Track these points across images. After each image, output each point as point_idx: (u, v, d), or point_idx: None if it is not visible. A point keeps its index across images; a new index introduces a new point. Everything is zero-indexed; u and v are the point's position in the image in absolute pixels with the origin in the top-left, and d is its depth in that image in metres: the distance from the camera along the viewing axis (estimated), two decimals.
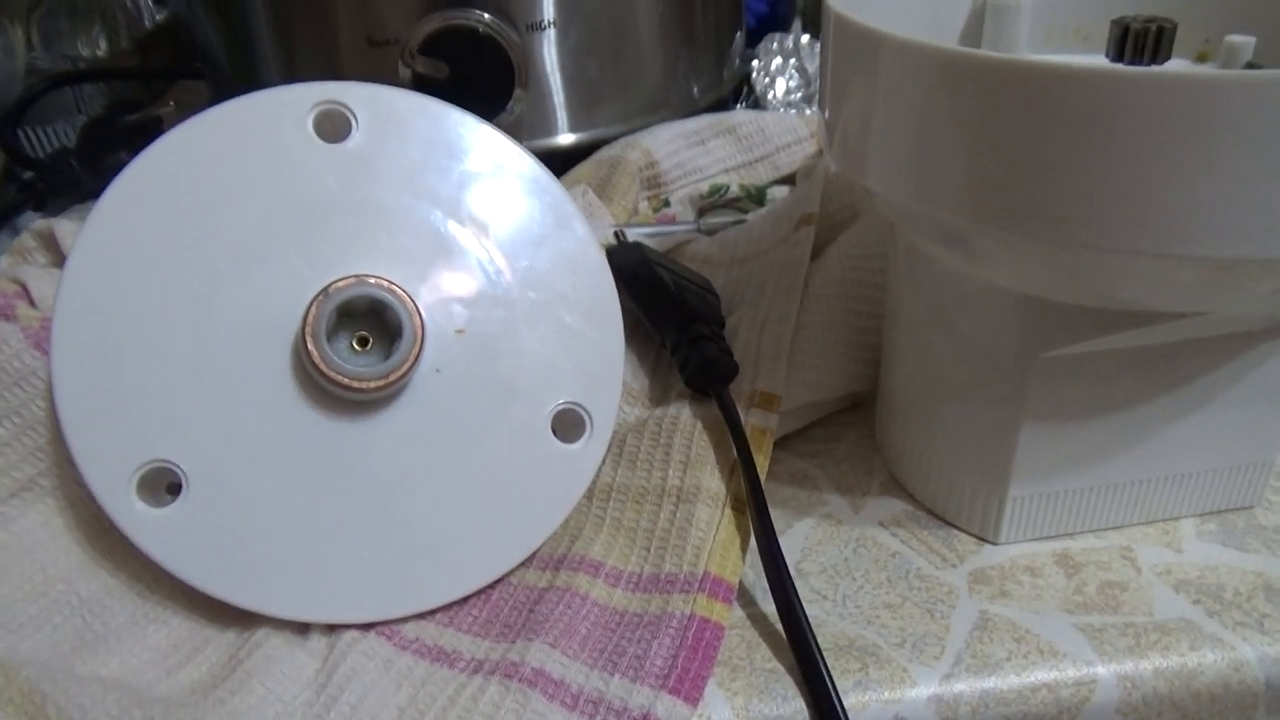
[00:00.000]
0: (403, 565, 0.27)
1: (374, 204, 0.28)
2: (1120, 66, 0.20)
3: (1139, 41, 0.26)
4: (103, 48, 0.75)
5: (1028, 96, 0.21)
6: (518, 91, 0.44)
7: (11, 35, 0.68)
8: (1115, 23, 0.27)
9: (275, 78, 0.49)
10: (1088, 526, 0.29)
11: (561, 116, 0.49)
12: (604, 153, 0.47)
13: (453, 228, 0.28)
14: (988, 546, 0.29)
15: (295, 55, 0.48)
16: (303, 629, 0.27)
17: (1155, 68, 0.19)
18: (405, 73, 0.43)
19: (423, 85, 0.43)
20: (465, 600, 0.28)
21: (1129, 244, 0.21)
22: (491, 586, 0.28)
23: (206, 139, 0.27)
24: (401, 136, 0.29)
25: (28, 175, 0.55)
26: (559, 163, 0.48)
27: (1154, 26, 0.26)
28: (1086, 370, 0.26)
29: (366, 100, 0.28)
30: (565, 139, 0.49)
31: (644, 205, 0.46)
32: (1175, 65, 0.29)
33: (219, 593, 0.26)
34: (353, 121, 0.28)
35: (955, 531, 0.30)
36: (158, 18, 0.77)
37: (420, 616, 0.27)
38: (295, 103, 0.28)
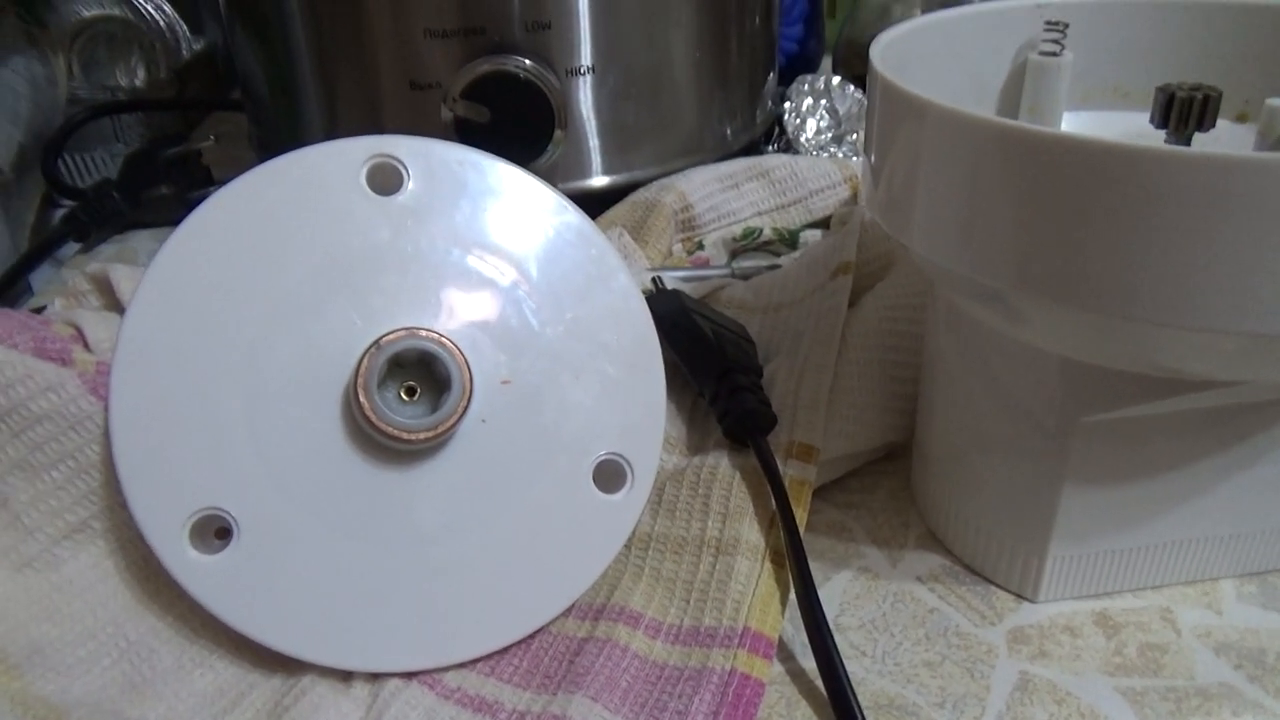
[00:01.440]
0: (446, 614, 0.27)
1: (424, 256, 0.28)
2: (1171, 148, 0.20)
3: (1185, 110, 0.26)
4: (140, 77, 0.76)
5: (1077, 172, 0.21)
6: (558, 134, 0.45)
7: (54, 64, 0.70)
8: (1161, 90, 0.27)
9: (316, 113, 0.49)
10: (1127, 586, 0.30)
11: (597, 159, 0.49)
12: (639, 195, 0.47)
13: (500, 279, 0.29)
14: (1026, 604, 0.29)
15: (336, 94, 0.49)
16: (346, 677, 0.27)
17: (1206, 150, 0.19)
18: (447, 116, 0.44)
19: (464, 128, 0.44)
20: (506, 650, 0.28)
21: (1173, 319, 0.21)
22: (531, 636, 0.28)
23: (262, 192, 0.28)
24: (451, 189, 0.29)
25: (68, 204, 0.56)
26: (593, 204, 0.48)
27: (1199, 95, 0.26)
28: (1129, 432, 0.27)
29: (418, 153, 0.29)
30: (599, 181, 0.50)
31: (678, 247, 0.47)
32: (1220, 129, 0.29)
33: (266, 640, 0.26)
34: (404, 174, 0.29)
35: (993, 588, 0.30)
36: (195, 47, 0.78)
37: (462, 666, 0.28)
38: (348, 156, 0.28)
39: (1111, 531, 0.28)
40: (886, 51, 0.28)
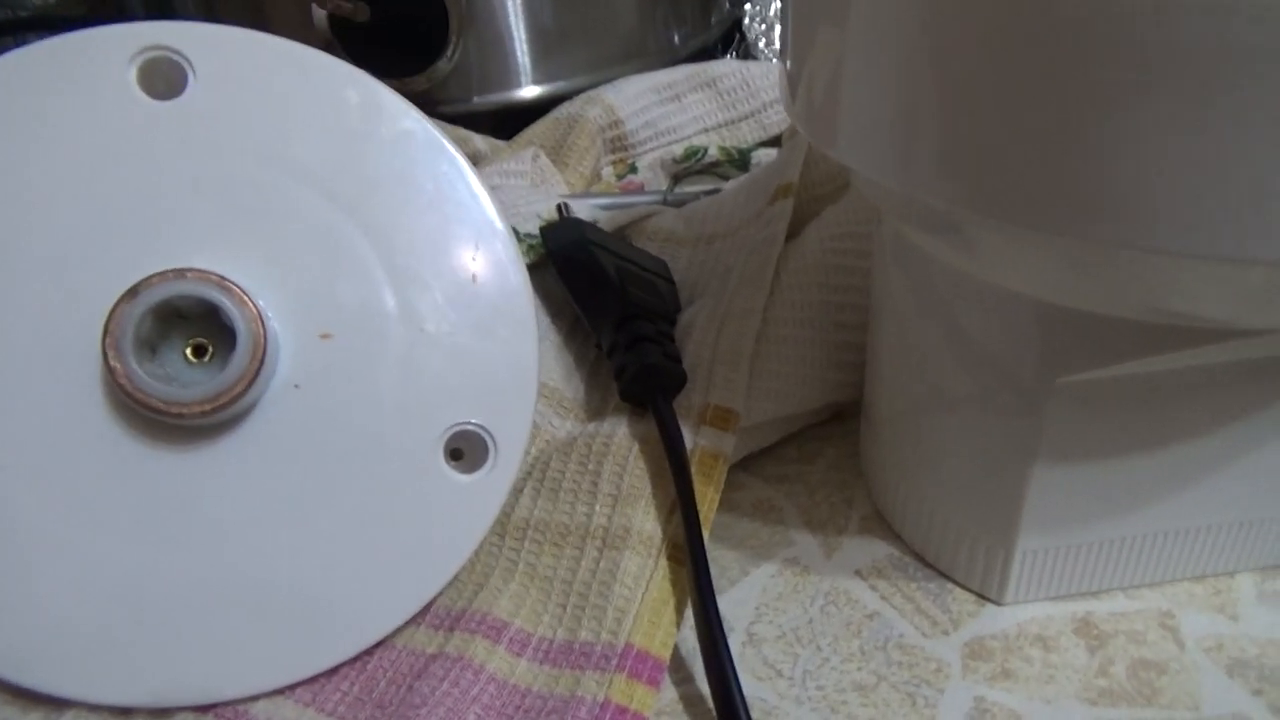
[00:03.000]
0: (252, 630, 0.22)
1: (211, 178, 0.22)
2: None
3: None
4: None
5: (1045, 34, 0.15)
6: (453, 39, 0.38)
7: None
8: None
9: (191, 12, 0.43)
10: (1117, 584, 0.24)
11: (524, 66, 0.43)
12: (561, 110, 0.41)
13: (320, 207, 0.23)
14: (990, 607, 0.23)
15: None
16: (124, 713, 0.21)
17: None
18: (319, 14, 0.37)
19: (341, 30, 0.37)
20: (335, 671, 0.22)
21: (1178, 243, 0.15)
22: (369, 652, 0.23)
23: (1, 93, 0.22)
24: (254, 92, 0.23)
25: None
26: (521, 119, 0.42)
27: None
28: (1118, 396, 0.20)
29: (206, 44, 0.22)
30: (528, 92, 0.43)
31: (607, 171, 0.40)
32: None
33: (9, 675, 0.21)
34: (189, 72, 0.22)
35: (949, 586, 0.24)
36: None
37: (276, 693, 0.22)
38: (113, 48, 0.22)
39: (1096, 518, 0.22)
40: None
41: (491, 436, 0.23)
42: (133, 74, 0.22)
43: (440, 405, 0.23)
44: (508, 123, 0.42)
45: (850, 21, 0.18)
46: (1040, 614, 0.23)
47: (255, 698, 0.22)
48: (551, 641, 0.23)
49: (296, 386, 0.22)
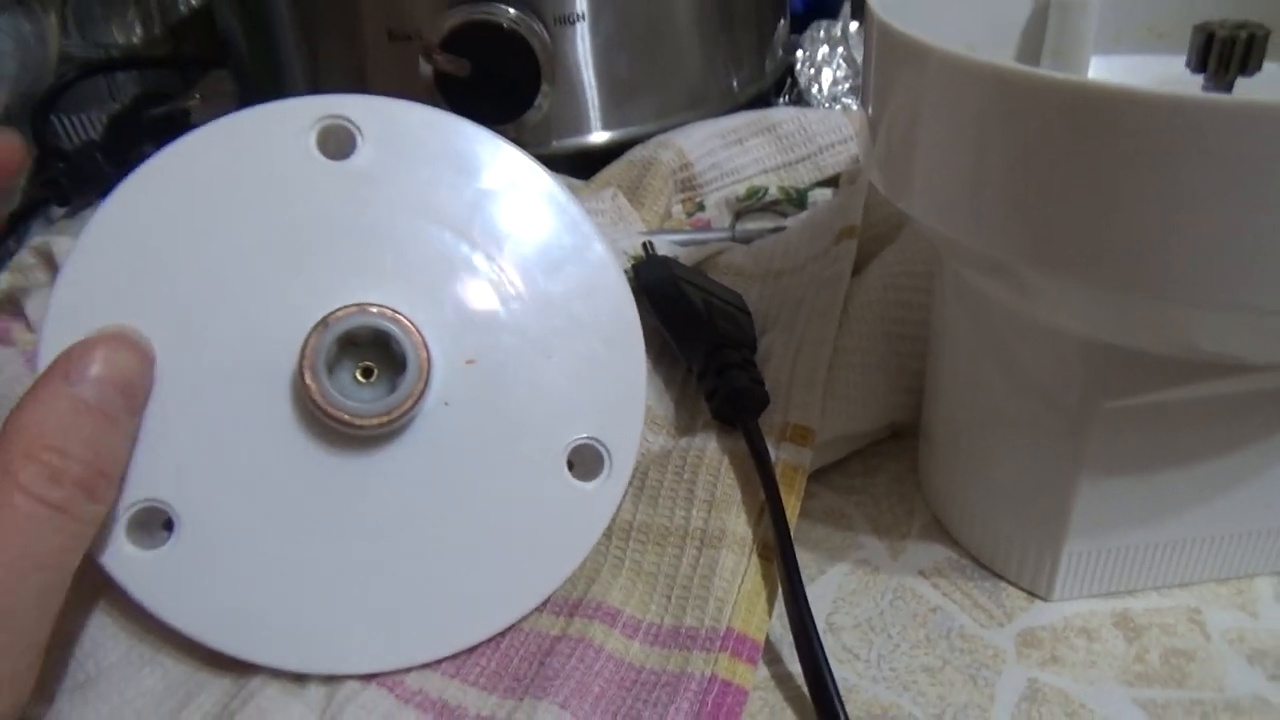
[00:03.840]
0: (407, 612, 0.25)
1: (379, 227, 0.26)
2: (1208, 95, 0.17)
3: (1225, 51, 0.23)
4: (138, 34, 0.74)
5: (1098, 126, 0.18)
6: (544, 88, 0.42)
7: (44, 22, 0.68)
8: (1198, 29, 0.24)
9: (296, 69, 0.47)
10: (1151, 584, 0.27)
11: (594, 114, 0.47)
12: (636, 153, 0.45)
13: (464, 250, 0.26)
14: (1038, 603, 0.27)
15: (317, 47, 0.46)
16: (300, 678, 0.25)
17: (1250, 98, 0.16)
18: (426, 69, 0.41)
19: (445, 83, 0.41)
20: (474, 649, 0.26)
21: (1212, 298, 0.18)
22: (501, 634, 0.26)
23: (202, 156, 0.26)
24: (410, 153, 0.27)
25: (57, 167, 0.54)
26: (591, 162, 0.46)
27: (1243, 34, 0.23)
28: (1156, 418, 0.24)
29: (373, 114, 0.26)
30: (598, 137, 0.47)
31: (677, 209, 0.44)
32: (1268, 72, 0.26)
33: (209, 640, 0.24)
34: (357, 137, 0.26)
35: (1003, 585, 0.28)
36: (192, 3, 0.75)
37: (425, 667, 0.26)
38: (296, 117, 0.26)
39: (1134, 525, 0.26)
40: None
41: (606, 449, 0.27)
42: (313, 138, 0.26)
43: (563, 421, 0.27)
44: (580, 163, 0.46)
45: (927, 94, 0.22)
46: (1084, 609, 0.27)
47: (409, 670, 0.26)
48: (659, 626, 0.26)
49: (446, 404, 0.26)
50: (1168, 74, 0.28)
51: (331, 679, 0.25)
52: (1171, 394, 0.23)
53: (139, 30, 0.74)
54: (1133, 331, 0.22)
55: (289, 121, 0.26)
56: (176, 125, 0.55)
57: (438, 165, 0.27)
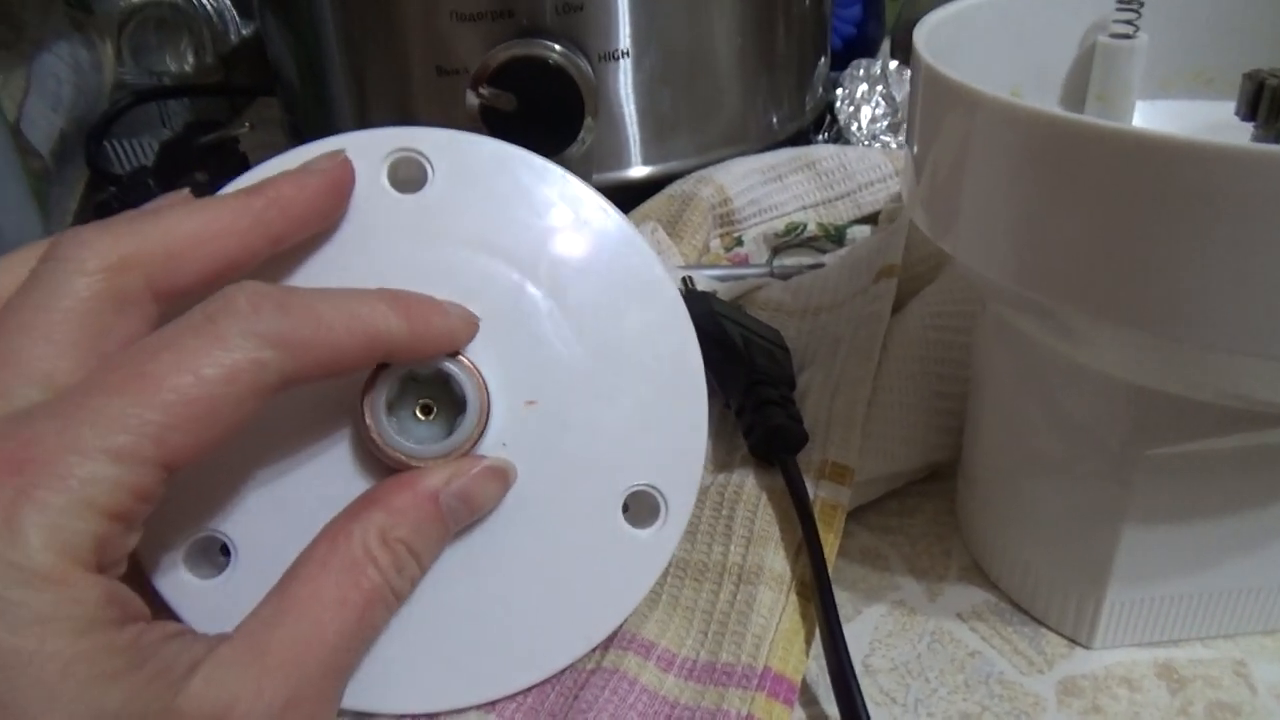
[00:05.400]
0: (458, 652, 0.25)
1: (445, 262, 0.26)
2: (1257, 146, 0.17)
3: (1275, 100, 0.23)
4: (190, 63, 0.76)
5: (1144, 174, 0.18)
6: (588, 122, 0.42)
7: (100, 50, 0.70)
8: (1248, 77, 0.24)
9: (345, 100, 0.48)
10: (1195, 634, 0.26)
11: (635, 149, 0.47)
12: (675, 187, 0.45)
13: (529, 290, 0.26)
14: (1080, 651, 0.26)
15: (365, 79, 0.47)
16: (347, 714, 0.25)
17: None
18: (473, 103, 0.42)
19: (490, 116, 0.42)
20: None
21: (1261, 348, 0.18)
22: None
23: None
24: (479, 187, 0.26)
25: (108, 191, 0.55)
26: (633, 196, 0.46)
27: None
28: (1201, 466, 0.24)
29: (444, 147, 0.26)
30: (638, 171, 0.48)
31: (716, 243, 0.44)
32: None
33: None
34: (429, 170, 0.26)
35: (1043, 630, 0.27)
36: (243, 32, 0.77)
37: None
38: (370, 149, 0.26)
39: (1177, 574, 0.25)
40: (933, 34, 0.25)
41: (664, 497, 0.26)
42: (385, 170, 0.26)
43: (621, 467, 0.26)
44: (620, 197, 0.46)
45: (974, 139, 0.22)
46: (1126, 658, 0.26)
47: (461, 710, 0.25)
48: (695, 661, 0.26)
49: (504, 445, 0.26)
50: (1216, 120, 0.28)
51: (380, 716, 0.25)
52: (1217, 443, 0.23)
53: (190, 59, 0.76)
54: (1178, 378, 0.22)
55: (363, 153, 0.26)
56: (226, 152, 0.56)
57: (507, 201, 0.26)
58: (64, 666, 0.17)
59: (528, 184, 0.27)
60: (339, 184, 0.25)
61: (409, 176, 0.26)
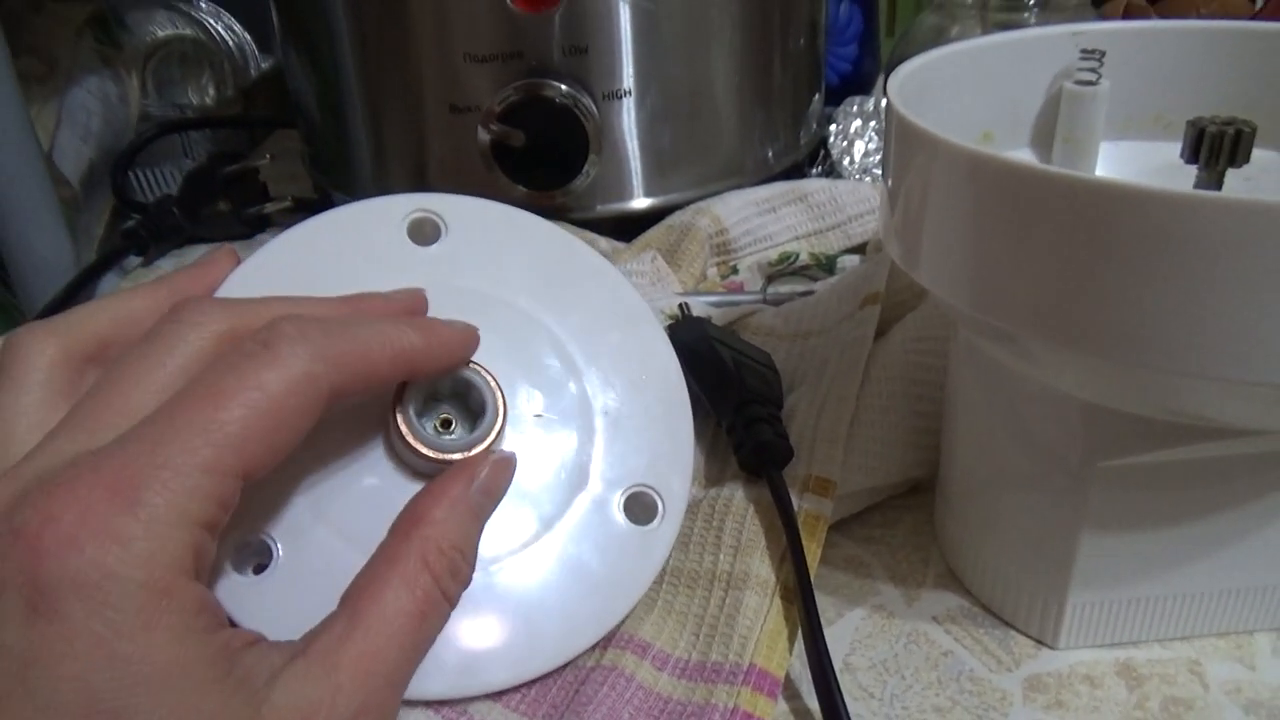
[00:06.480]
0: (476, 644, 0.27)
1: (460, 300, 0.29)
2: (1181, 192, 0.19)
3: (1215, 146, 0.25)
4: (211, 95, 0.79)
5: (1084, 215, 0.20)
6: (592, 157, 0.45)
7: (127, 83, 0.73)
8: (1191, 124, 0.26)
9: (362, 134, 0.51)
10: (1153, 636, 0.28)
11: (636, 182, 0.50)
12: (675, 218, 0.47)
13: (533, 319, 0.30)
14: (1045, 651, 0.28)
15: (382, 114, 0.50)
16: None
17: (1218, 195, 0.19)
18: (484, 138, 0.44)
19: (500, 151, 0.44)
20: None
21: (1193, 368, 0.20)
22: None
23: (314, 240, 0.30)
24: (486, 241, 0.31)
25: (134, 219, 0.58)
26: (633, 226, 0.49)
27: (1231, 130, 0.25)
28: (1152, 478, 0.26)
29: (455, 209, 0.31)
30: (640, 203, 0.50)
31: (712, 271, 0.47)
32: (1262, 161, 0.28)
33: None
34: (442, 227, 0.31)
35: (1012, 632, 0.29)
36: (263, 66, 0.81)
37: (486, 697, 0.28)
38: (392, 210, 0.30)
39: (1135, 579, 0.27)
40: (906, 81, 0.27)
41: (660, 496, 0.29)
42: (405, 228, 0.30)
43: (620, 470, 0.29)
44: (622, 227, 0.49)
45: (934, 179, 0.24)
46: (1088, 658, 0.28)
47: (471, 699, 0.27)
48: (687, 661, 0.28)
49: (516, 448, 0.29)
50: (1168, 161, 0.30)
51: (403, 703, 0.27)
52: (1167, 455, 0.25)
53: (212, 91, 0.79)
54: (1129, 397, 0.24)
55: (386, 214, 0.30)
56: (247, 182, 0.59)
57: (511, 251, 0.31)
58: (166, 672, 0.19)
59: (527, 236, 0.31)
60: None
61: (425, 233, 0.31)
